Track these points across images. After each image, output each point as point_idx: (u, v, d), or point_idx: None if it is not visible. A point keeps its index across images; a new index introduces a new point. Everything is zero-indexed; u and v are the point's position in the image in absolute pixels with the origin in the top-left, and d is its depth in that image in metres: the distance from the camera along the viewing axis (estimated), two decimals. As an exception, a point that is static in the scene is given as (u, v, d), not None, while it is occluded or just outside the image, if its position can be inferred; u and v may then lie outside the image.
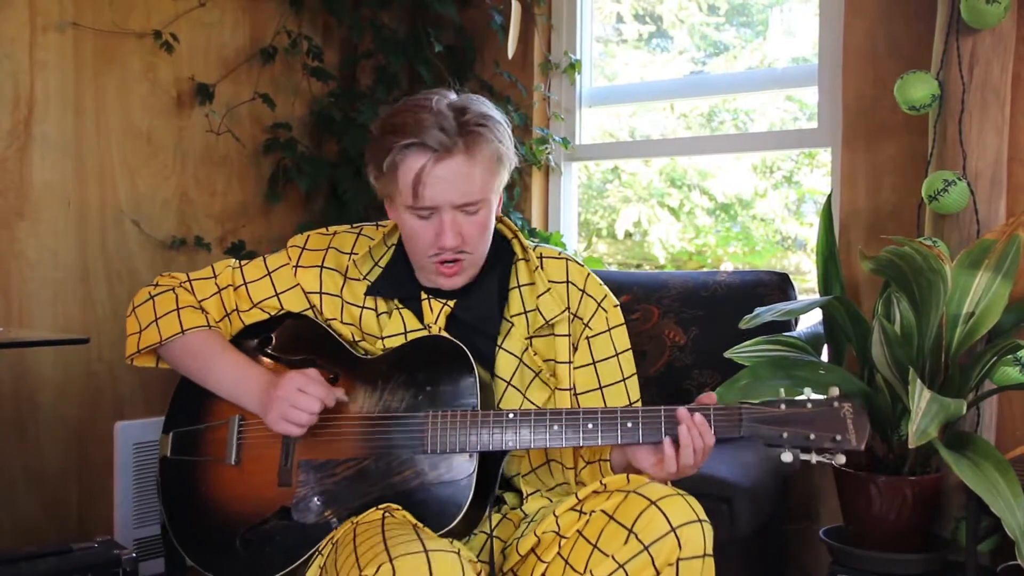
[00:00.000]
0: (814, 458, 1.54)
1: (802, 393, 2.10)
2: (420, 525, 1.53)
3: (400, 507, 1.56)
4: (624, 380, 1.75)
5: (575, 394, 1.72)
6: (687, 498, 1.48)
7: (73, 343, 2.40)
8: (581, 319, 1.74)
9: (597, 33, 3.39)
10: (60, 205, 2.75)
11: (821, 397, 1.55)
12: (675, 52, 3.68)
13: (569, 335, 1.72)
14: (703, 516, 1.47)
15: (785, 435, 1.53)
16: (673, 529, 1.43)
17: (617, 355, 1.75)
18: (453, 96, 1.65)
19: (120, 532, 2.79)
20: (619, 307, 1.78)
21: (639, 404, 1.76)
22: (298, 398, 1.61)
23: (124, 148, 2.87)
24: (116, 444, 2.81)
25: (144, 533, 2.83)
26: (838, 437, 1.52)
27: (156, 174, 2.94)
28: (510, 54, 2.98)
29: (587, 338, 1.74)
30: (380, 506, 1.56)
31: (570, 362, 1.71)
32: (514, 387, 1.69)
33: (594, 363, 1.74)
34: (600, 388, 1.73)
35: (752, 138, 3.30)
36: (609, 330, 1.75)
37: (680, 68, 3.67)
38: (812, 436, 1.53)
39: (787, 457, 1.53)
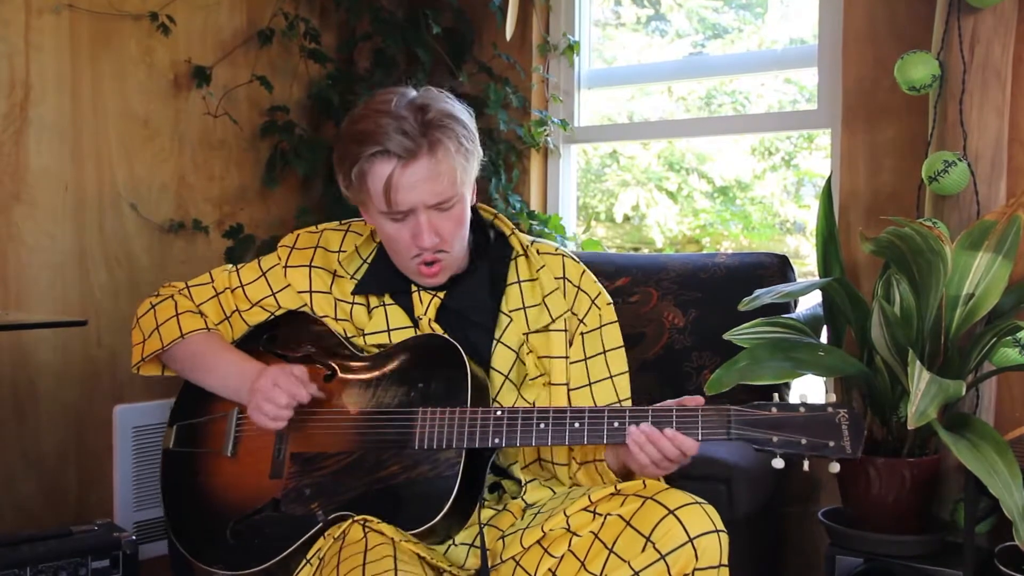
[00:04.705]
0: (807, 464, 1.51)
1: (801, 376, 2.11)
2: (398, 539, 1.52)
3: (379, 519, 1.54)
4: (612, 377, 1.75)
5: (569, 389, 1.73)
6: (705, 507, 1.48)
7: (71, 325, 2.41)
8: (576, 315, 1.75)
9: (595, 16, 3.37)
10: (57, 189, 2.74)
11: (816, 402, 1.52)
12: (673, 35, 3.66)
13: (566, 330, 1.72)
14: (720, 526, 1.47)
15: (775, 439, 1.49)
16: (691, 539, 1.44)
17: (605, 352, 1.75)
18: (413, 94, 1.64)
19: (120, 515, 2.79)
20: (612, 305, 1.78)
21: (628, 403, 1.76)
22: (270, 391, 1.63)
23: (121, 131, 2.86)
24: (115, 427, 2.82)
25: (144, 516, 2.83)
26: (831, 443, 1.47)
27: (154, 157, 2.93)
28: (508, 36, 2.97)
29: (581, 334, 1.75)
30: (357, 518, 1.55)
31: (566, 357, 1.72)
32: (511, 382, 1.70)
33: (585, 359, 1.74)
34: (589, 384, 1.74)
35: (751, 119, 3.27)
36: (600, 327, 1.76)
37: (679, 51, 3.65)
38: (804, 441, 1.48)
39: (778, 463, 1.50)
